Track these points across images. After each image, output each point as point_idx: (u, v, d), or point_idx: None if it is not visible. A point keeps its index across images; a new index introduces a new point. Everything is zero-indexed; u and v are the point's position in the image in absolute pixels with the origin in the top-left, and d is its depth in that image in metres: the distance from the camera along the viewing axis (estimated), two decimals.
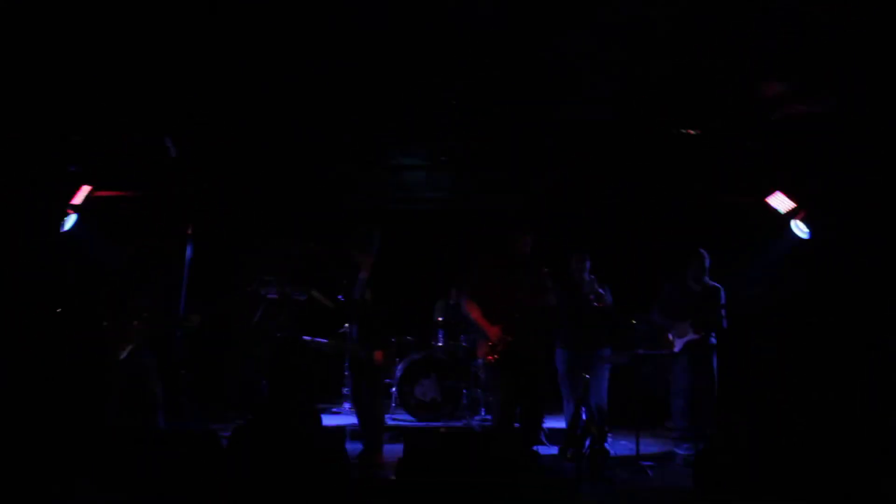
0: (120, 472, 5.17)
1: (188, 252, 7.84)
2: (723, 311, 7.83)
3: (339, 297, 7.46)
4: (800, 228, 8.44)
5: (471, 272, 7.14)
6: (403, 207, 10.71)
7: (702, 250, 7.93)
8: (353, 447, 7.37)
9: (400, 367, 9.49)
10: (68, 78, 6.95)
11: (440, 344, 9.91)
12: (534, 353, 6.83)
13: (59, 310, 7.63)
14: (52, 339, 7.49)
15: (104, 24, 6.10)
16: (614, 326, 7.79)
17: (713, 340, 7.85)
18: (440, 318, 10.05)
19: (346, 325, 8.09)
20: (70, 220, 8.68)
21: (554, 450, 7.77)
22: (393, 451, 6.87)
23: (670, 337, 7.88)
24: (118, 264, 6.71)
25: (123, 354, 6.48)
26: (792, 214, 8.46)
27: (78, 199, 8.69)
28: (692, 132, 7.95)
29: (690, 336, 7.74)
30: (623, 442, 8.07)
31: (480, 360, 8.76)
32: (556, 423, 8.20)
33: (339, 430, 8.20)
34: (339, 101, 7.57)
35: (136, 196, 9.34)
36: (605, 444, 7.26)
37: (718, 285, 7.91)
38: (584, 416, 7.36)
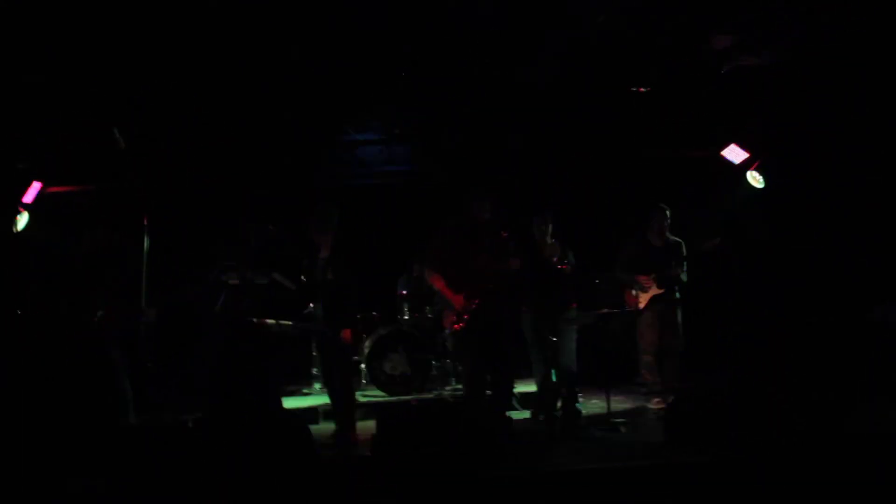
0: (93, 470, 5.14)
1: (145, 243, 7.74)
2: (684, 265, 7.88)
3: (302, 277, 7.40)
4: (755, 178, 8.50)
5: (432, 241, 7.08)
6: (361, 183, 10.66)
7: (662, 205, 7.97)
8: (326, 427, 7.35)
9: (368, 343, 9.47)
10: (11, 74, 6.84)
11: (406, 317, 9.88)
12: (500, 319, 6.77)
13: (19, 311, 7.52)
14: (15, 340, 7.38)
15: (46, 16, 6.01)
16: (579, 287, 7.80)
17: (677, 295, 7.89)
18: (404, 292, 10.01)
19: (311, 305, 8.04)
20: (23, 220, 8.53)
21: (526, 414, 7.80)
22: (367, 427, 6.85)
23: (633, 293, 7.92)
24: (75, 261, 6.58)
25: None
26: (746, 165, 8.52)
27: (29, 196, 8.54)
28: (644, 90, 7.97)
29: (654, 291, 7.79)
30: (594, 401, 8.10)
31: (447, 330, 8.77)
32: (526, 387, 8.20)
33: (311, 410, 8.15)
34: (291, 79, 7.49)
35: (88, 190, 9.22)
36: (576, 405, 7.33)
37: (679, 240, 7.96)
38: (553, 378, 7.39)
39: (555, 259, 7.43)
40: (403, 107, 8.39)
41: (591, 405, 7.96)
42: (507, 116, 8.72)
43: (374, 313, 9.97)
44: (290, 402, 8.69)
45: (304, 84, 7.62)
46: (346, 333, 6.97)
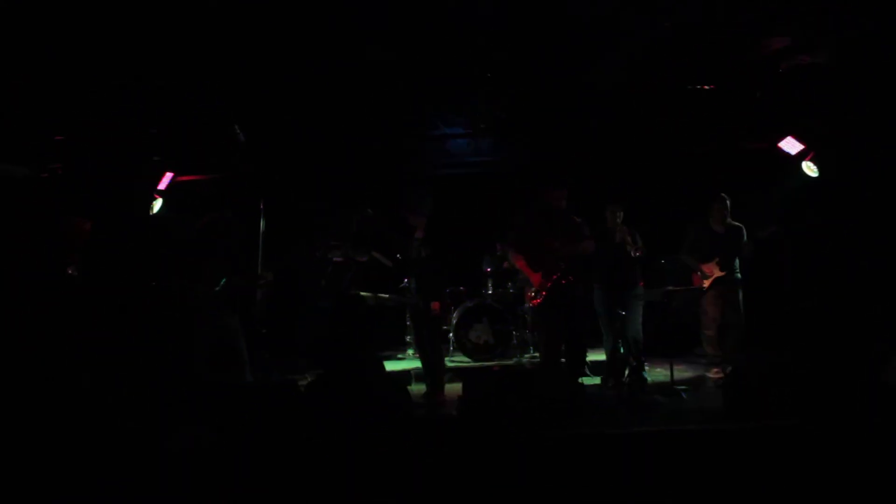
0: (215, 422, 5.31)
1: (261, 225, 7.94)
2: (744, 247, 7.78)
3: (398, 256, 7.53)
4: (810, 168, 8.32)
5: (513, 226, 7.23)
6: (450, 172, 10.73)
7: (722, 195, 7.89)
8: (418, 388, 7.50)
9: (455, 314, 9.59)
10: (148, 77, 7.11)
11: (490, 292, 9.99)
12: (573, 295, 6.92)
13: (153, 283, 7.79)
14: (148, 307, 7.65)
15: (174, 27, 6.22)
16: (646, 268, 7.79)
17: (738, 276, 7.81)
18: (489, 269, 10.12)
19: (406, 280, 8.19)
20: (157, 204, 8.85)
21: (597, 380, 7.83)
22: (454, 389, 6.97)
23: (699, 276, 7.86)
24: (195, 236, 6.77)
25: (201, 317, 6.54)
26: (802, 156, 8.35)
27: (163, 184, 8.85)
28: (707, 87, 7.88)
29: (717, 274, 7.71)
30: (659, 370, 8.13)
31: (527, 304, 8.85)
32: (597, 356, 8.21)
33: (404, 373, 8.32)
34: (389, 78, 7.61)
35: (212, 178, 9.50)
36: (642, 373, 7.32)
37: (739, 224, 7.86)
38: (622, 349, 7.40)
39: (626, 241, 7.45)
40: (489, 104, 8.43)
41: (655, 374, 7.99)
42: (581, 113, 8.71)
43: (462, 288, 10.12)
44: (387, 366, 8.83)
45: (401, 82, 7.72)
46: (436, 305, 7.16)
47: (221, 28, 6.36)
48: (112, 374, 6.25)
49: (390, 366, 9.10)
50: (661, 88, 7.99)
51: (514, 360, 9.37)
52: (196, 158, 9.13)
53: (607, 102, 8.36)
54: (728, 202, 7.87)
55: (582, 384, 7.09)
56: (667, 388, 7.16)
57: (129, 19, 6.08)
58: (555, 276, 6.84)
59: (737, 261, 7.85)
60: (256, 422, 5.28)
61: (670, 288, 7.54)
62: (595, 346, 8.09)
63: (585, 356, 7.47)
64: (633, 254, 7.49)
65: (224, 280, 6.56)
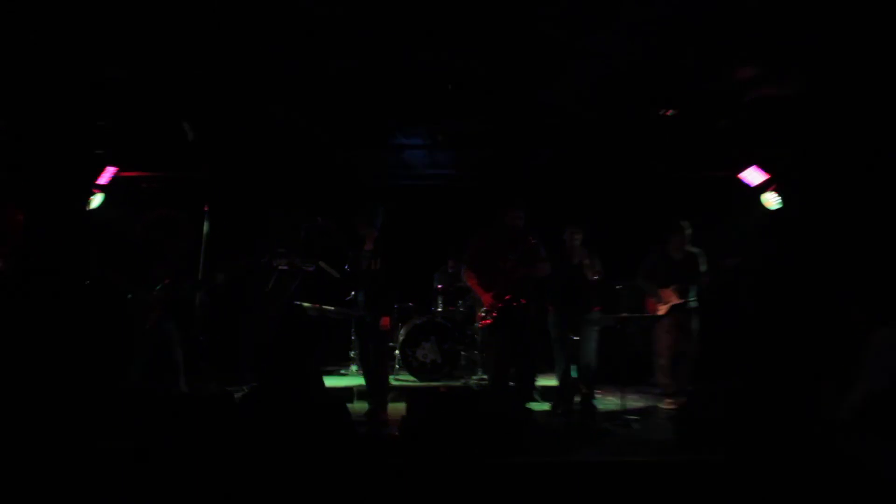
0: (144, 433, 5.11)
1: (205, 228, 7.77)
2: (701, 275, 7.78)
3: (346, 267, 7.40)
4: (772, 199, 8.39)
5: (468, 244, 7.14)
6: (405, 184, 10.67)
7: (682, 223, 7.85)
8: (360, 406, 7.34)
9: (403, 331, 9.46)
10: (94, 67, 6.91)
11: (439, 309, 9.88)
12: (525, 317, 6.82)
13: (86, 282, 7.56)
14: (80, 310, 7.42)
15: (127, 13, 6.05)
16: (602, 292, 7.73)
17: (695, 303, 7.79)
18: (439, 286, 10.02)
19: (353, 293, 8.04)
20: (97, 199, 8.62)
21: (546, 406, 7.74)
22: (397, 409, 6.83)
23: (654, 302, 7.83)
24: (137, 237, 6.57)
25: (149, 323, 6.37)
26: (764, 187, 8.41)
27: (104, 178, 8.62)
28: (670, 113, 7.90)
29: (674, 301, 7.69)
30: (610, 398, 8.05)
31: (477, 324, 8.76)
32: (548, 381, 8.13)
33: (347, 390, 8.15)
34: (344, 87, 7.52)
35: (157, 176, 9.29)
36: (593, 401, 7.26)
37: (697, 250, 7.84)
38: (573, 375, 7.34)
39: (583, 266, 7.40)
40: (448, 117, 8.36)
41: (607, 402, 7.90)
42: (543, 132, 8.68)
43: (411, 304, 10.03)
44: (328, 381, 8.69)
45: (361, 90, 7.61)
46: (385, 321, 7.02)
47: (179, 22, 6.21)
48: (33, 377, 6.04)
49: (332, 381, 8.95)
50: (625, 111, 8.00)
51: (462, 381, 9.26)
52: (142, 154, 8.92)
53: (570, 122, 8.35)
54: (687, 231, 7.80)
55: (530, 409, 7.00)
56: (618, 417, 7.09)
57: (80, 5, 5.91)
58: (507, 297, 6.76)
59: (693, 289, 7.84)
60: (185, 435, 5.10)
61: (625, 314, 7.48)
62: (546, 370, 8.02)
63: (535, 380, 7.37)
64: (590, 277, 7.43)
65: (164, 282, 6.37)
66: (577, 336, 7.39)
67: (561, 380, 7.50)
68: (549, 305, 7.61)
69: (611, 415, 7.29)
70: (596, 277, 7.42)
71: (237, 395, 5.76)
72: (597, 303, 7.57)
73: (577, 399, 7.31)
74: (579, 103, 7.84)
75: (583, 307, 7.49)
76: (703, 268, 7.78)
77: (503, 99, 7.82)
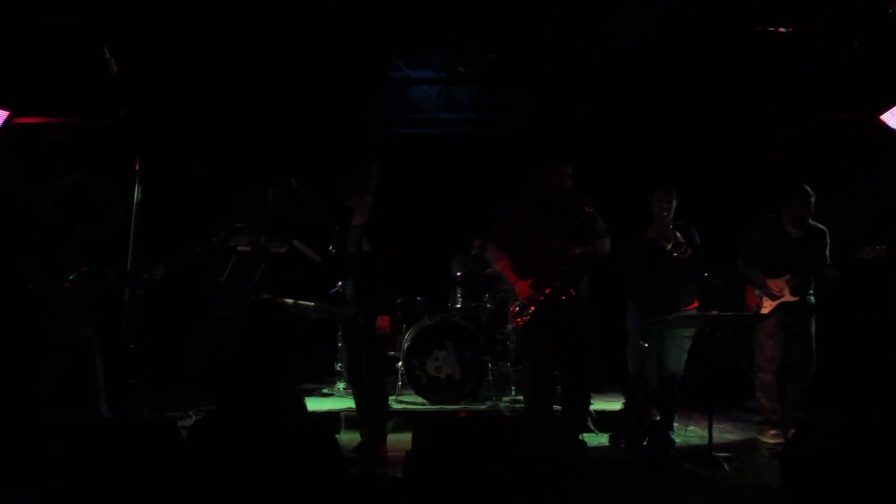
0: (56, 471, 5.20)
1: (136, 194, 7.84)
2: (827, 261, 7.71)
3: (330, 248, 7.45)
4: None
5: (498, 214, 7.13)
6: (410, 133, 10.68)
7: (805, 186, 7.73)
8: (349, 437, 7.44)
9: (408, 335, 9.53)
10: None
11: (458, 306, 9.93)
12: (576, 315, 6.79)
13: None
14: None
15: None
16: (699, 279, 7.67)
17: (812, 300, 7.78)
18: (459, 274, 10.05)
19: (339, 283, 8.11)
20: None
21: (604, 439, 7.81)
22: (400, 441, 6.92)
23: (757, 293, 7.80)
24: (44, 210, 6.60)
25: (57, 326, 6.42)
26: None
27: None
28: (783, 30, 7.85)
29: (786, 298, 7.63)
30: (692, 428, 8.09)
31: (510, 325, 8.79)
32: (606, 404, 8.19)
33: (332, 415, 8.25)
34: None
35: (67, 123, 9.32)
36: (670, 433, 7.29)
37: (823, 228, 7.81)
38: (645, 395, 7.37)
39: (675, 239, 7.20)
40: (471, 37, 8.33)
41: (687, 433, 7.94)
42: (602, 59, 8.61)
43: (419, 298, 10.06)
44: (307, 404, 8.77)
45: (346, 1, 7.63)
46: (383, 321, 7.04)
47: None
48: None
49: (314, 404, 9.04)
50: (718, 26, 7.94)
51: (489, 403, 9.33)
52: (45, 93, 8.97)
53: (636, 46, 8.31)
54: (812, 199, 7.68)
55: (583, 443, 7.05)
56: (703, 454, 7.15)
57: None
58: (550, 288, 6.73)
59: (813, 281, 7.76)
60: (106, 480, 5.18)
61: (715, 312, 7.44)
62: (605, 389, 8.08)
63: (589, 403, 7.42)
64: (682, 254, 7.20)
65: (79, 272, 6.43)
66: (645, 343, 7.38)
67: (628, 402, 7.55)
68: (628, 301, 7.62)
69: (694, 451, 7.35)
70: (686, 258, 7.21)
71: (182, 424, 5.86)
72: (695, 296, 7.56)
73: (646, 428, 7.34)
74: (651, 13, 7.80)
75: (675, 303, 7.49)
76: (827, 252, 7.72)
77: (545, 10, 7.80)
